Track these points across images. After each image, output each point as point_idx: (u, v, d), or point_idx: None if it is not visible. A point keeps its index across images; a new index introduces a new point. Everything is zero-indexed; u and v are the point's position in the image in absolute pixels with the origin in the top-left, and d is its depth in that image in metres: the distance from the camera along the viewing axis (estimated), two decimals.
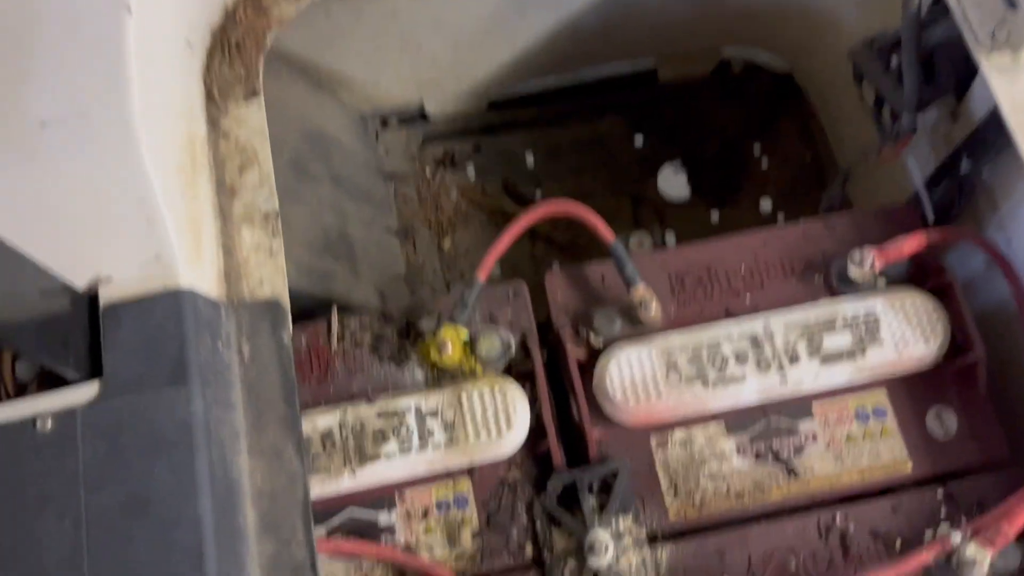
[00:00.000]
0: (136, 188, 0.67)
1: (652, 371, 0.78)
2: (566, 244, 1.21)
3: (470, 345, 0.81)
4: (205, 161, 0.76)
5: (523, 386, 0.80)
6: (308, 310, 0.90)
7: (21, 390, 0.71)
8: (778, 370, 0.78)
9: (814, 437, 0.78)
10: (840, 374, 0.78)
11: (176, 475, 0.62)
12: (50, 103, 0.67)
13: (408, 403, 0.79)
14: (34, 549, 0.61)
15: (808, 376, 0.78)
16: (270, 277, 0.74)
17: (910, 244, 0.79)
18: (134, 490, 0.62)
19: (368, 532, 0.77)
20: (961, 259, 0.88)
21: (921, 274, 0.82)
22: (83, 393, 0.65)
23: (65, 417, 0.64)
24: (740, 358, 0.78)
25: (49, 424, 0.64)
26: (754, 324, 0.80)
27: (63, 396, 0.65)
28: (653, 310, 0.80)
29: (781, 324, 0.79)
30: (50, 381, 0.71)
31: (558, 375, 0.83)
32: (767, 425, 0.79)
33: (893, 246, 0.80)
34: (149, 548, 0.60)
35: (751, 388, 0.78)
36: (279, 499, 0.67)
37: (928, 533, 0.75)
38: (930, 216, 0.88)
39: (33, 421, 0.64)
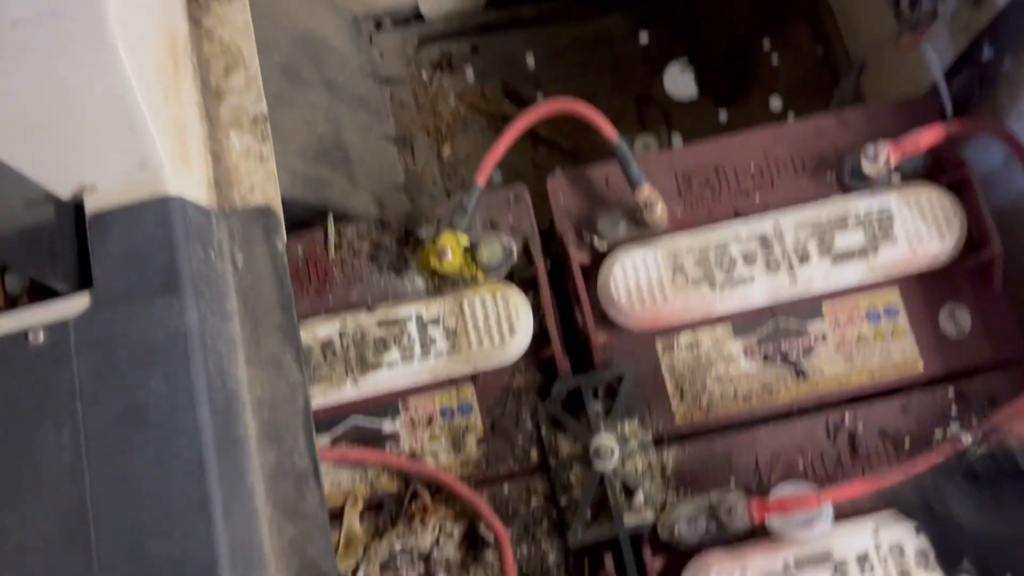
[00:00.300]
0: (115, 90, 0.64)
1: (658, 274, 0.76)
2: (569, 149, 1.17)
3: (471, 252, 0.79)
4: (188, 62, 0.72)
5: (526, 292, 0.79)
6: (304, 219, 0.88)
7: (12, 303, 0.69)
8: (787, 270, 0.76)
9: (824, 338, 0.77)
10: (851, 273, 0.76)
11: (173, 386, 0.61)
12: (19, 0, 0.63)
13: (409, 311, 0.77)
14: (35, 461, 0.61)
15: (818, 276, 0.76)
16: (261, 183, 0.72)
17: (927, 137, 0.76)
18: (131, 401, 0.61)
19: (372, 440, 0.77)
20: (979, 153, 0.84)
21: (938, 169, 0.79)
22: (74, 305, 0.63)
23: (57, 329, 0.63)
24: (748, 259, 0.76)
25: (41, 336, 0.63)
26: (763, 224, 0.77)
27: (54, 308, 0.64)
28: (659, 211, 0.77)
29: (791, 223, 0.77)
30: (41, 294, 0.69)
31: (561, 282, 0.81)
32: (775, 326, 0.77)
33: (909, 139, 0.76)
34: (149, 458, 0.60)
35: (759, 289, 0.76)
36: (279, 408, 0.67)
37: (938, 433, 0.74)
38: (948, 108, 0.84)
39: (25, 334, 0.63)
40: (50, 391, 0.62)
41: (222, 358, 0.64)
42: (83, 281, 0.64)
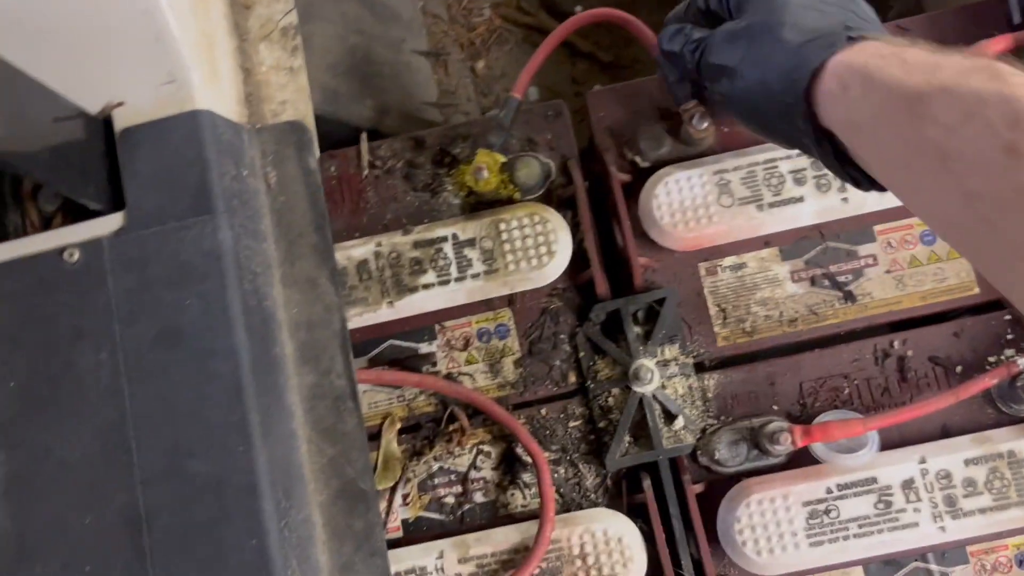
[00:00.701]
0: (141, 2, 0.61)
1: (703, 194, 0.73)
2: (609, 63, 1.13)
3: (507, 171, 0.76)
4: None
5: (564, 213, 0.76)
6: (334, 137, 0.86)
7: (46, 223, 0.69)
8: (839, 190, 0.73)
9: (874, 261, 0.74)
10: None
11: (208, 306, 0.60)
12: None
13: (444, 232, 0.75)
14: (75, 380, 0.61)
15: (872, 196, 0.72)
16: (292, 98, 0.70)
17: (994, 47, 0.71)
18: (167, 322, 0.61)
19: (409, 362, 0.76)
20: None
21: None
22: (108, 223, 0.63)
23: (92, 248, 0.62)
24: (799, 178, 0.73)
25: (76, 255, 0.62)
26: None
27: (88, 227, 0.63)
28: (705, 128, 0.74)
29: None
30: (75, 214, 0.68)
31: (600, 203, 0.79)
32: (825, 249, 0.74)
33: (975, 50, 0.72)
34: (187, 379, 0.60)
35: (809, 210, 0.73)
36: (316, 330, 0.66)
37: (991, 359, 0.71)
38: (1016, 16, 0.79)
39: (60, 252, 0.62)
40: (87, 310, 0.61)
41: (257, 278, 0.64)
42: (116, 201, 0.63)
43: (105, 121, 0.64)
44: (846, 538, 0.67)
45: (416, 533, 0.74)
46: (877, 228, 0.74)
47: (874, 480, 0.68)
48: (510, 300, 0.77)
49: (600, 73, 1.14)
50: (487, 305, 0.77)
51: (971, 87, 0.41)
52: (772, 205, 0.73)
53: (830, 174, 0.73)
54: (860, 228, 0.74)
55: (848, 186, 0.72)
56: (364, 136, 0.80)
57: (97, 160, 0.64)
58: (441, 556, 0.71)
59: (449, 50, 1.14)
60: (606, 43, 1.11)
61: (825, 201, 0.73)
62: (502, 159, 0.76)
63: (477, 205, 0.78)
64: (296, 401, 0.64)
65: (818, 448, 0.69)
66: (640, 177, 0.76)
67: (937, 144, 0.42)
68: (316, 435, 0.64)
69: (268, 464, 0.59)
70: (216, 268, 0.61)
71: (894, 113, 0.45)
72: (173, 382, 0.60)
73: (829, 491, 0.68)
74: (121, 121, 0.63)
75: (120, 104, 0.63)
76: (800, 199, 0.73)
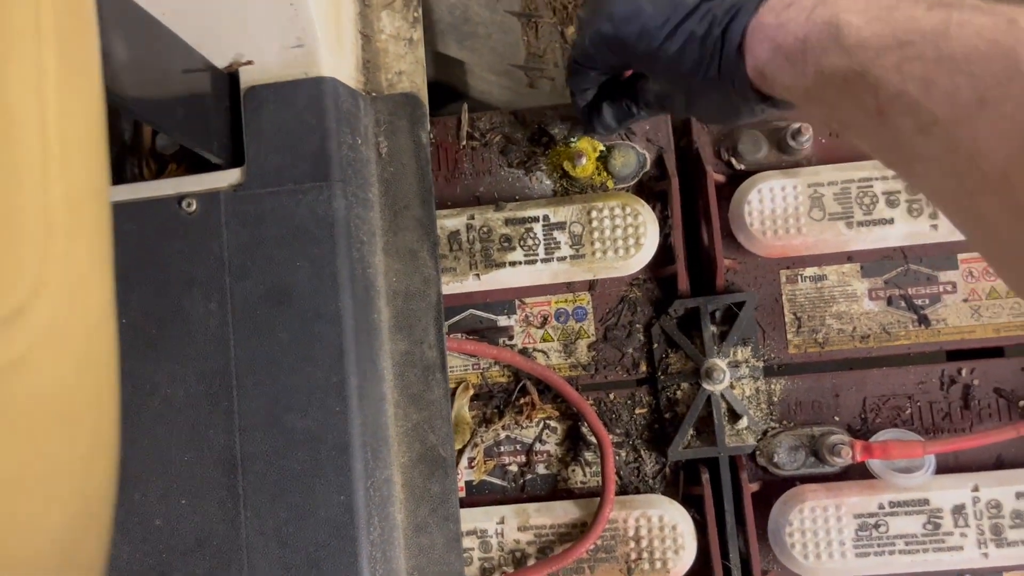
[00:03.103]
0: None
1: (795, 205, 0.74)
2: None
3: (603, 158, 0.78)
4: None
5: (652, 206, 0.78)
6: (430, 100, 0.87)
7: (161, 167, 0.71)
8: (930, 216, 0.73)
9: (953, 288, 0.75)
10: None
11: (318, 271, 0.63)
12: None
13: (536, 213, 0.77)
14: (184, 325, 0.64)
15: None
16: (409, 69, 0.71)
17: None
18: (277, 281, 0.63)
19: (487, 333, 0.79)
20: None
21: None
22: (226, 178, 0.65)
23: (209, 200, 0.64)
24: (891, 200, 0.74)
25: (195, 205, 0.65)
26: None
27: (207, 179, 0.65)
28: (807, 138, 0.75)
29: None
30: (190, 161, 0.71)
31: (688, 199, 0.80)
32: (906, 271, 0.76)
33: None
34: (292, 337, 0.63)
35: (897, 233, 0.74)
36: (413, 300, 0.68)
37: None
38: None
39: (179, 200, 0.65)
40: (200, 260, 0.64)
41: (363, 247, 0.66)
42: (236, 158, 0.65)
43: (231, 77, 0.66)
44: (891, 553, 0.70)
45: (478, 495, 0.78)
46: (961, 256, 0.75)
47: (926, 502, 0.71)
48: (591, 285, 0.79)
49: None
50: (568, 287, 0.79)
51: (835, 68, 0.46)
52: (861, 224, 0.74)
53: (923, 201, 0.74)
54: (944, 254, 0.76)
55: (940, 214, 0.73)
56: (465, 107, 0.81)
57: (220, 115, 0.65)
58: (502, 522, 0.74)
59: (541, 12, 1.14)
60: None
61: (915, 226, 0.74)
62: (601, 147, 0.77)
63: (569, 188, 0.79)
64: (387, 366, 0.67)
65: (875, 464, 0.71)
66: (733, 179, 0.78)
67: (833, 117, 0.49)
68: (403, 400, 0.68)
69: (361, 425, 0.63)
70: (328, 235, 0.63)
71: (800, 102, 0.52)
72: (278, 339, 0.63)
73: (881, 506, 0.71)
74: (247, 79, 0.65)
75: (249, 62, 0.65)
76: (890, 221, 0.74)
